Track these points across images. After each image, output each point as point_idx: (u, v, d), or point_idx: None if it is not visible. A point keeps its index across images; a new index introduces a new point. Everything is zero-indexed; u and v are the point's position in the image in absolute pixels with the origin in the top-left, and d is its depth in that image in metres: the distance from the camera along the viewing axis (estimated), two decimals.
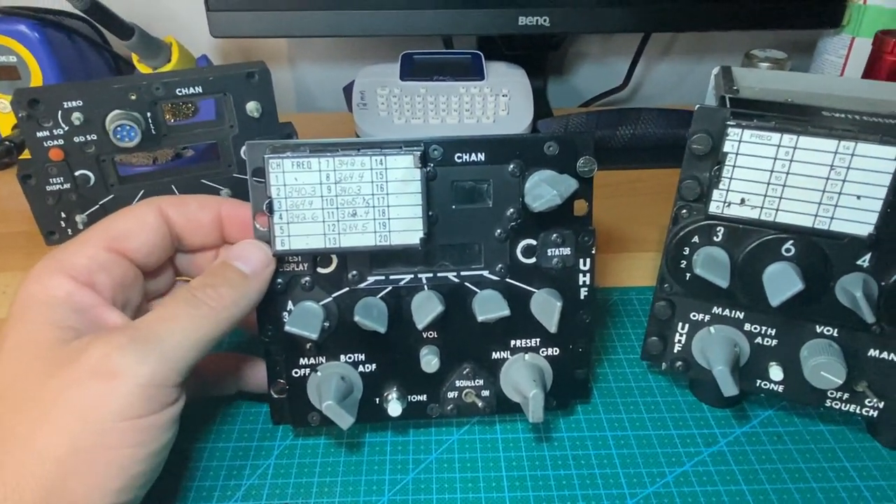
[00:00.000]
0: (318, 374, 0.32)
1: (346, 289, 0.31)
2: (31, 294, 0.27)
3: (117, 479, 0.24)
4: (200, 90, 0.41)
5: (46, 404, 0.24)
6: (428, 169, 0.30)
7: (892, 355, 0.31)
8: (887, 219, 0.28)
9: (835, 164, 0.28)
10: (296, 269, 0.31)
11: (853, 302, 0.28)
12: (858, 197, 0.28)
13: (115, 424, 0.24)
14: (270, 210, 0.29)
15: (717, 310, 0.33)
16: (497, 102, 0.60)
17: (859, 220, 0.28)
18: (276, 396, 0.33)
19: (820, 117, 0.30)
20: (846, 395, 0.32)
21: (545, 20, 0.58)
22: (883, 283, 0.29)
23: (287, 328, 0.29)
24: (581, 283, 0.33)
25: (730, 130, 0.29)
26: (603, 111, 0.62)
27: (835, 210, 0.28)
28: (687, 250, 0.32)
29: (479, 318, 0.31)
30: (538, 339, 0.33)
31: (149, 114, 0.40)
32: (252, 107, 0.42)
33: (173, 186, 0.43)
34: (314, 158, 0.28)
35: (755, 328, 0.32)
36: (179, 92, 0.40)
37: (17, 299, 0.27)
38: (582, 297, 0.33)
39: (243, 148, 0.30)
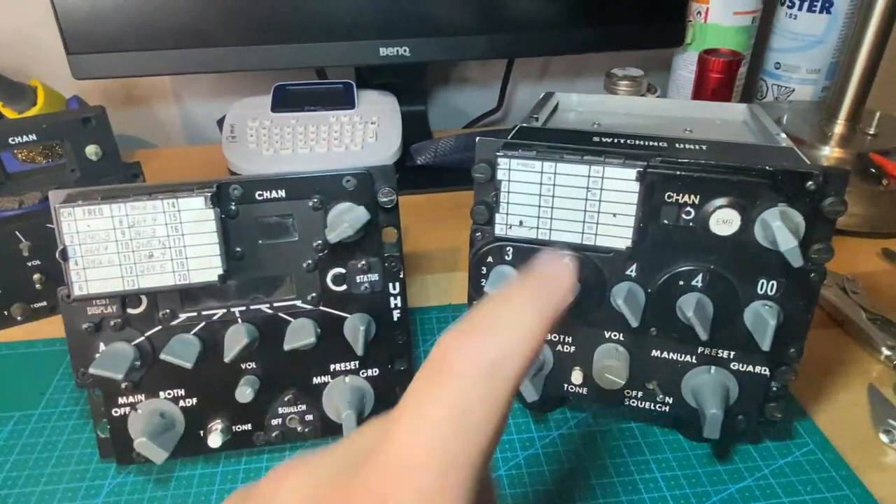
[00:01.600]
0: (139, 411, 0.33)
1: (159, 327, 0.33)
2: None
3: None
4: (34, 138, 0.41)
5: None
6: (230, 208, 0.31)
7: (671, 355, 0.34)
8: (641, 233, 0.31)
9: (590, 187, 0.30)
10: (104, 311, 0.32)
11: (619, 309, 0.31)
12: (614, 215, 0.31)
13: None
14: (65, 257, 0.30)
15: None
16: (366, 130, 0.62)
17: (619, 235, 0.31)
18: (101, 436, 0.33)
19: (589, 143, 0.32)
20: (640, 394, 0.35)
21: (405, 50, 0.61)
22: (649, 290, 0.32)
23: (91, 370, 0.30)
24: (392, 305, 0.35)
25: (500, 160, 0.31)
26: (469, 133, 0.65)
27: (597, 227, 0.31)
28: (484, 269, 0.34)
29: (286, 347, 0.32)
30: (356, 362, 0.35)
31: None
32: (91, 150, 0.43)
33: (17, 232, 0.44)
34: (105, 205, 0.29)
35: (555, 336, 0.35)
36: (12, 141, 0.41)
37: None
38: (395, 318, 0.35)
39: None
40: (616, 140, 0.33)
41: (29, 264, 0.44)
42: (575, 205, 0.31)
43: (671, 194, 0.30)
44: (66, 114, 0.43)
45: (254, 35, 0.59)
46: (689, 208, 0.30)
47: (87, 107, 0.43)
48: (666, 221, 0.30)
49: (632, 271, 0.32)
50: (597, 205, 0.31)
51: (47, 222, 0.44)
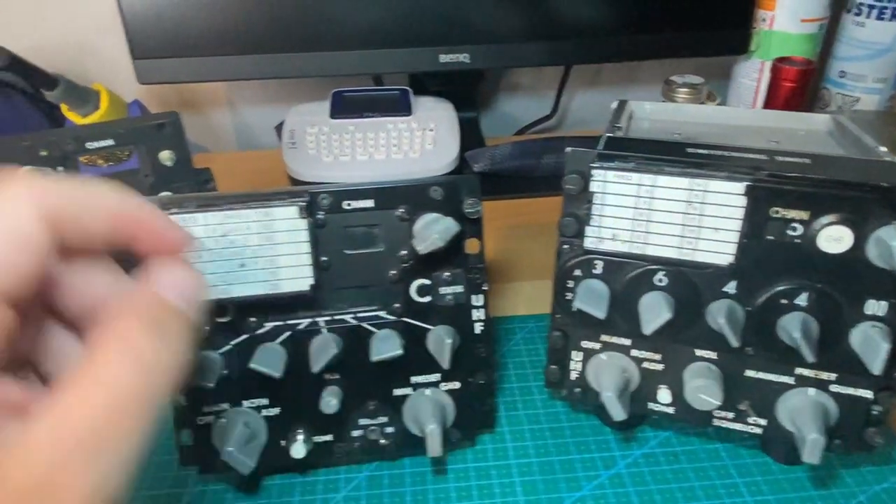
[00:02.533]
0: (223, 420, 0.33)
1: (245, 336, 0.32)
2: None
3: None
4: (112, 143, 0.42)
5: None
6: (318, 217, 0.31)
7: (767, 375, 0.32)
8: (744, 249, 0.30)
9: (691, 200, 0.29)
10: None
11: (719, 327, 0.30)
12: (716, 230, 0.30)
13: None
14: None
15: (605, 338, 0.34)
16: (424, 137, 0.61)
17: (720, 251, 0.30)
18: (183, 444, 0.33)
19: (683, 154, 0.32)
20: (731, 415, 0.34)
21: (465, 57, 0.60)
22: (749, 309, 0.31)
23: None
24: (475, 318, 0.34)
25: (594, 172, 0.30)
26: (527, 141, 0.65)
27: (697, 242, 0.30)
28: (571, 283, 0.33)
29: (373, 359, 0.32)
30: (438, 375, 0.34)
31: (61, 168, 0.41)
32: (165, 156, 0.43)
33: None
34: (200, 213, 0.29)
35: (642, 354, 0.34)
36: (90, 146, 0.41)
37: None
38: (477, 331, 0.34)
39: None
40: (711, 152, 0.32)
41: None
42: (673, 218, 0.30)
43: (778, 209, 0.29)
44: (141, 119, 0.43)
45: (314, 42, 0.59)
46: (796, 224, 0.29)
47: (162, 112, 0.43)
48: (771, 237, 0.29)
49: (730, 288, 0.31)
50: (697, 219, 0.30)
51: None
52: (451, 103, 0.66)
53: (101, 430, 0.17)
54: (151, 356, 0.19)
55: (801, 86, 0.53)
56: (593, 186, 0.31)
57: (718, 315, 0.30)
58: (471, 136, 0.69)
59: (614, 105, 0.43)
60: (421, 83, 0.68)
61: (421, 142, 0.61)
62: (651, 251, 0.31)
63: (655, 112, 0.44)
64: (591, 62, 0.74)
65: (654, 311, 0.30)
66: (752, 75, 0.68)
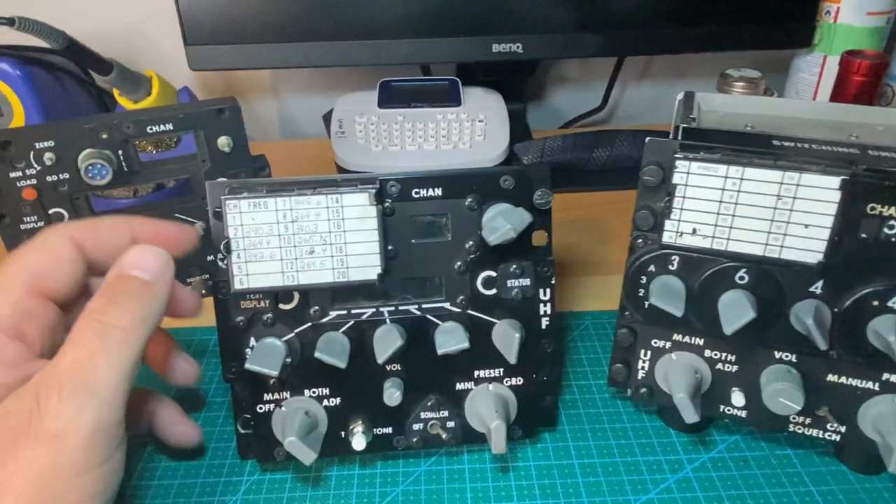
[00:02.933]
0: (283, 409, 0.32)
1: (309, 324, 0.32)
2: None
3: None
4: (171, 127, 0.41)
5: None
6: (385, 205, 0.30)
7: (850, 380, 0.31)
8: (836, 247, 0.28)
9: (781, 195, 0.28)
10: (257, 305, 0.31)
11: (806, 329, 0.29)
12: (806, 226, 0.28)
13: (71, 482, 0.23)
14: (228, 250, 0.29)
15: (677, 337, 0.33)
16: (473, 128, 0.60)
17: (809, 249, 0.28)
18: (242, 432, 0.33)
19: (770, 147, 0.30)
20: (808, 420, 0.32)
21: (518, 47, 0.59)
22: (836, 310, 0.29)
23: (248, 366, 0.30)
24: (542, 312, 0.33)
25: (678, 163, 0.29)
26: (579, 133, 0.63)
27: (784, 239, 0.29)
28: (644, 279, 0.32)
29: (439, 351, 0.31)
30: (501, 370, 0.34)
31: (120, 151, 0.41)
32: (223, 141, 0.43)
33: None
34: (271, 198, 0.29)
35: (715, 355, 0.33)
36: (150, 130, 0.41)
37: None
38: (543, 326, 0.33)
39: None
40: (799, 144, 0.31)
41: None
42: (760, 213, 0.29)
43: (874, 206, 0.27)
44: (200, 104, 0.43)
45: (364, 30, 0.59)
46: (893, 222, 0.27)
47: (221, 98, 0.43)
48: (864, 235, 0.28)
49: (817, 288, 0.29)
50: (787, 214, 0.28)
51: (176, 212, 0.45)
52: (499, 94, 0.65)
53: (75, 374, 0.24)
54: (105, 317, 0.25)
55: (871, 80, 0.51)
56: (675, 178, 0.29)
57: (805, 316, 0.29)
58: (517, 129, 0.68)
59: (680, 96, 0.42)
60: (469, 74, 0.67)
61: (471, 133, 0.60)
62: (734, 247, 0.30)
63: (724, 104, 0.42)
64: (646, 54, 0.72)
65: (737, 311, 0.29)
66: (812, 70, 0.66)
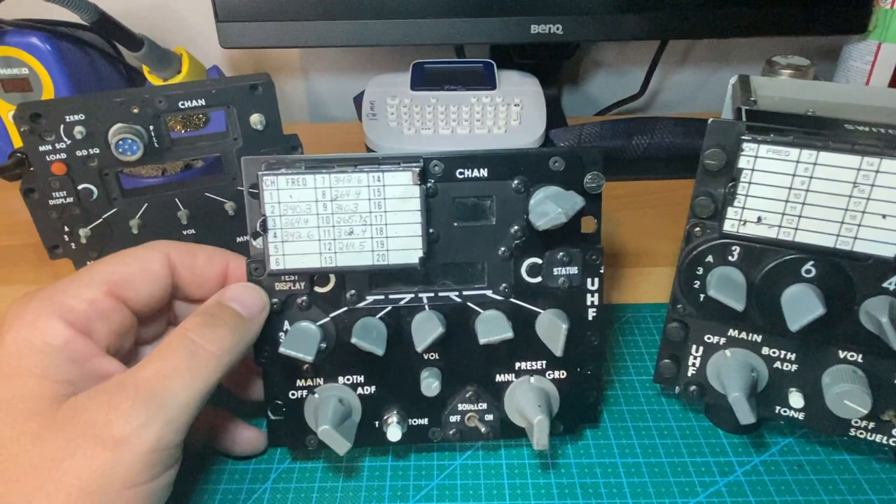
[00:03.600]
0: (316, 396, 0.31)
1: (345, 308, 0.30)
2: (24, 339, 0.25)
3: None
4: (203, 103, 0.40)
5: (44, 472, 0.22)
6: (428, 185, 0.29)
7: None
8: None
9: (858, 182, 0.26)
10: (292, 288, 0.30)
11: (878, 327, 0.27)
12: (884, 216, 0.26)
13: (119, 493, 0.23)
14: (265, 228, 0.28)
15: (733, 332, 0.31)
16: (509, 112, 0.58)
17: (885, 241, 0.26)
18: (273, 418, 0.32)
19: (842, 131, 0.28)
20: (872, 425, 0.30)
21: (558, 28, 0.57)
22: None
23: (282, 350, 0.28)
24: (589, 303, 0.32)
25: (745, 146, 0.27)
26: (618, 120, 0.61)
27: (858, 230, 0.27)
28: (700, 270, 0.30)
29: (481, 341, 0.29)
30: (544, 362, 0.32)
31: (151, 127, 0.40)
32: (256, 119, 0.41)
33: (177, 200, 0.43)
34: (310, 175, 0.27)
35: (774, 352, 0.31)
36: (182, 105, 0.40)
37: (4, 343, 0.25)
38: (590, 317, 0.32)
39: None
40: (872, 129, 0.29)
41: (184, 233, 0.44)
42: (833, 202, 0.27)
43: None
44: (233, 79, 0.41)
45: (397, 9, 0.57)
46: None
47: (254, 74, 0.42)
48: None
49: (891, 283, 0.27)
50: (863, 203, 0.26)
51: (206, 191, 0.44)
52: (536, 78, 0.62)
53: (153, 384, 0.24)
54: (198, 337, 0.26)
55: None
56: (741, 162, 0.27)
57: (878, 313, 0.27)
58: (552, 116, 0.66)
59: (733, 80, 0.39)
60: (503, 56, 0.65)
61: (506, 117, 0.58)
62: (802, 238, 0.27)
63: (780, 88, 0.40)
64: (690, 37, 0.69)
65: (805, 306, 0.27)
66: (865, 58, 0.63)
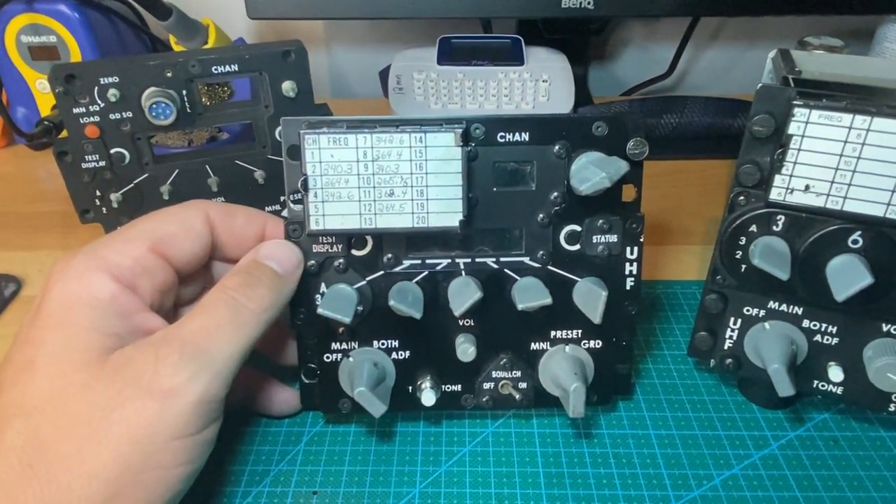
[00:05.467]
0: (351, 359, 0.31)
1: (381, 272, 0.30)
2: (71, 293, 0.24)
3: (163, 498, 0.23)
4: (236, 68, 0.40)
5: (93, 422, 0.22)
6: (469, 148, 0.29)
7: None
8: None
9: None
10: (329, 250, 0.30)
11: None
12: None
13: (166, 444, 0.23)
14: (305, 188, 0.27)
15: (773, 304, 0.31)
16: (537, 88, 0.58)
17: None
18: (306, 381, 0.32)
19: (894, 98, 0.27)
20: None
21: (590, 3, 0.56)
22: None
23: (319, 311, 0.28)
24: (627, 272, 0.31)
25: (796, 111, 0.26)
26: (647, 99, 0.60)
27: None
28: (743, 240, 0.30)
29: (520, 307, 0.29)
30: (580, 331, 0.32)
31: (184, 91, 0.40)
32: (288, 86, 0.41)
33: (208, 167, 0.43)
34: (351, 135, 0.27)
35: (814, 325, 0.30)
36: (216, 70, 0.40)
37: (51, 296, 0.24)
38: (628, 287, 0.31)
39: (279, 127, 0.29)
40: None
41: (214, 200, 0.44)
42: (886, 170, 0.26)
43: None
44: (265, 46, 0.41)
45: None
46: None
47: (286, 41, 0.41)
48: None
49: None
50: None
51: (236, 159, 0.43)
52: (564, 55, 0.62)
53: (199, 338, 0.24)
54: (239, 296, 0.26)
55: None
56: (791, 128, 0.27)
57: None
58: (578, 94, 0.65)
59: (772, 54, 0.39)
60: (531, 32, 0.65)
61: (534, 93, 0.58)
62: (850, 207, 0.27)
63: (820, 63, 0.39)
64: (724, 14, 0.68)
65: (852, 276, 0.27)
66: None
